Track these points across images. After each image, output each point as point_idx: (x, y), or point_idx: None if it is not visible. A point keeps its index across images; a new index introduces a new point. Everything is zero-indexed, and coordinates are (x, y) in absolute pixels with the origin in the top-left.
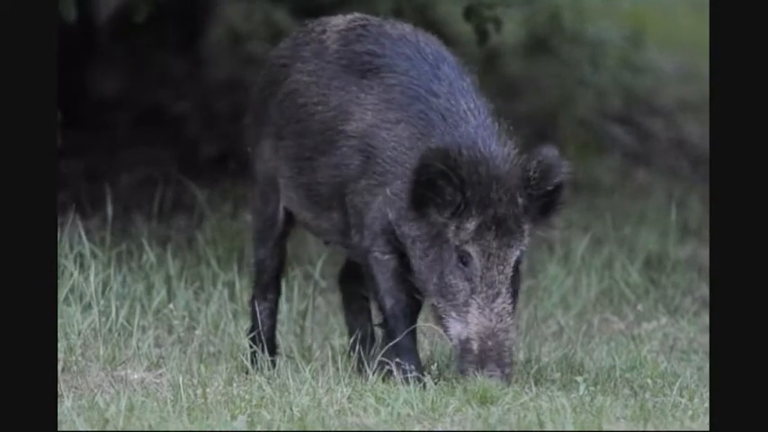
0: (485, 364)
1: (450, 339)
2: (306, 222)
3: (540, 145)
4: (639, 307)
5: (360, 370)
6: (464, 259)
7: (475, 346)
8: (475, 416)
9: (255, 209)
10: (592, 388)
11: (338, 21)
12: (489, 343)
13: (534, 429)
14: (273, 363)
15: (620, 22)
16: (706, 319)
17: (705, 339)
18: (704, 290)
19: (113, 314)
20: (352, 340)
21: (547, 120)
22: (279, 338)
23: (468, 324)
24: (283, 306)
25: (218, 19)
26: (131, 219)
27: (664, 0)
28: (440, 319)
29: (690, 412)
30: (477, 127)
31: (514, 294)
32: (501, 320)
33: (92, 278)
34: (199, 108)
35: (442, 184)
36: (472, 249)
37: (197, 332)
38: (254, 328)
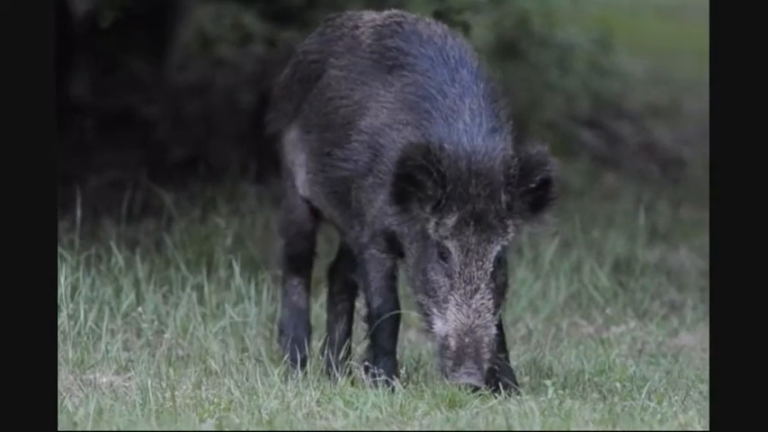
0: (462, 361)
1: (433, 337)
2: (332, 218)
3: (527, 143)
4: (608, 311)
5: (329, 373)
6: (443, 255)
7: (453, 343)
8: (443, 419)
9: (283, 206)
10: (560, 391)
11: (372, 16)
12: (467, 340)
13: None
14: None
15: (588, 26)
16: (674, 322)
17: (674, 343)
18: (673, 293)
19: (82, 317)
20: (321, 343)
21: (516, 123)
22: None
23: (447, 321)
24: (252, 309)
25: (187, 22)
26: (100, 222)
27: (632, 4)
28: (424, 317)
29: (659, 416)
30: (469, 125)
31: (498, 290)
32: (479, 316)
33: (61, 281)
34: (168, 111)
35: (422, 178)
36: (451, 245)
37: (166, 336)
38: (284, 306)
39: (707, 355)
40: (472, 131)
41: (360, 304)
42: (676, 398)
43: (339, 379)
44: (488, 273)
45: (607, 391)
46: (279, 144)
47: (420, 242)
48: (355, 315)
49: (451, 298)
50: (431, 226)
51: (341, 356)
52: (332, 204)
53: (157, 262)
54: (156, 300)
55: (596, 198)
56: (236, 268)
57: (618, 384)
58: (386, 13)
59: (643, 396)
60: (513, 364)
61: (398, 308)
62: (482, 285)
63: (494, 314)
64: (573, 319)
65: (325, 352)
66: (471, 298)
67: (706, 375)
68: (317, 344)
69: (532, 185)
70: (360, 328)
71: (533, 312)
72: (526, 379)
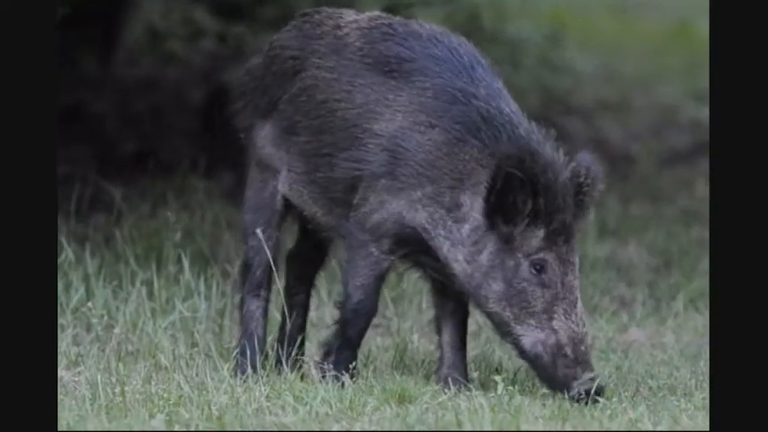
0: (585, 368)
1: (522, 346)
2: (313, 217)
3: (579, 151)
4: None
5: (279, 369)
6: (539, 266)
7: (570, 351)
8: (393, 415)
9: (249, 197)
10: (510, 387)
11: (353, 17)
12: (582, 348)
13: (452, 429)
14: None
15: (539, 21)
16: (624, 318)
17: (623, 339)
18: (622, 289)
19: None
20: (271, 339)
21: None
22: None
23: (557, 331)
24: (202, 305)
25: (136, 17)
26: None
27: (582, 1)
28: (506, 326)
29: (608, 412)
30: (528, 131)
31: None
32: (584, 325)
33: None
34: (117, 107)
35: (517, 191)
36: (549, 256)
37: (115, 331)
38: (244, 334)
39: (656, 351)
40: (535, 138)
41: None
42: (626, 394)
43: (289, 374)
44: (578, 281)
45: None
46: (249, 137)
47: (503, 252)
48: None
49: (558, 308)
50: (525, 237)
51: (294, 351)
52: (317, 203)
53: (107, 257)
54: (105, 295)
55: None
56: (186, 263)
57: None
58: (368, 14)
59: (593, 392)
60: None
61: (376, 310)
62: (579, 294)
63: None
64: None
65: (275, 346)
66: (575, 307)
67: (655, 371)
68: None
69: (594, 194)
70: (310, 323)
71: None
72: (476, 375)
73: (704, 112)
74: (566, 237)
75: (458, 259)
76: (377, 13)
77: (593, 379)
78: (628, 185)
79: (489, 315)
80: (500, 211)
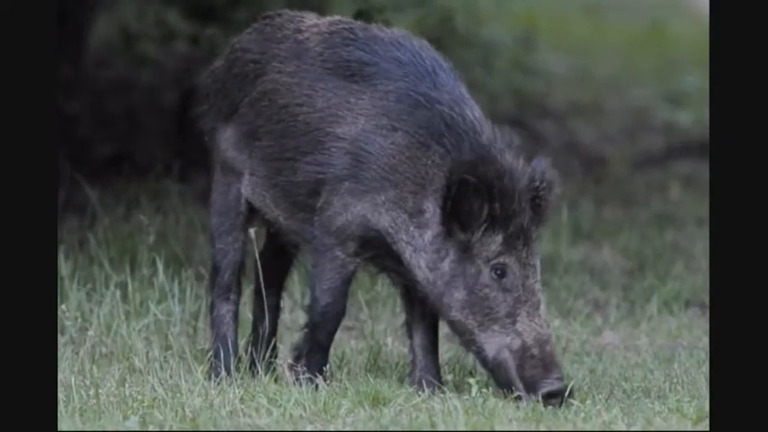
0: (551, 368)
1: (485, 354)
2: (275, 221)
3: (533, 156)
4: None
5: (252, 371)
6: (500, 271)
7: (536, 352)
8: (367, 417)
9: (214, 200)
10: (484, 390)
11: (314, 21)
12: (548, 348)
13: (426, 430)
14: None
15: (512, 24)
16: (598, 321)
17: (597, 342)
18: (596, 292)
19: None
20: (244, 342)
21: None
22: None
23: (521, 333)
24: (176, 307)
25: (108, 19)
26: None
27: (556, 3)
28: (469, 334)
29: (582, 414)
30: (490, 138)
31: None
32: (548, 326)
33: None
34: (91, 108)
35: (472, 197)
36: (509, 260)
37: (89, 333)
38: (216, 338)
39: (630, 354)
40: (496, 144)
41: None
42: (600, 396)
43: (263, 376)
44: (540, 284)
45: None
46: (212, 140)
47: (456, 262)
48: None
49: (521, 311)
50: (475, 245)
51: (266, 353)
52: (280, 207)
53: (81, 259)
54: (79, 297)
55: None
56: (160, 266)
57: None
58: (328, 19)
59: (566, 394)
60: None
61: (344, 312)
62: (541, 297)
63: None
64: None
65: (249, 349)
66: (538, 309)
67: (629, 374)
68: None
69: (550, 198)
70: (284, 326)
71: None
72: (450, 377)
73: (677, 115)
74: (524, 240)
75: (420, 266)
76: (337, 17)
77: (560, 379)
78: (601, 188)
79: (452, 324)
80: (456, 218)
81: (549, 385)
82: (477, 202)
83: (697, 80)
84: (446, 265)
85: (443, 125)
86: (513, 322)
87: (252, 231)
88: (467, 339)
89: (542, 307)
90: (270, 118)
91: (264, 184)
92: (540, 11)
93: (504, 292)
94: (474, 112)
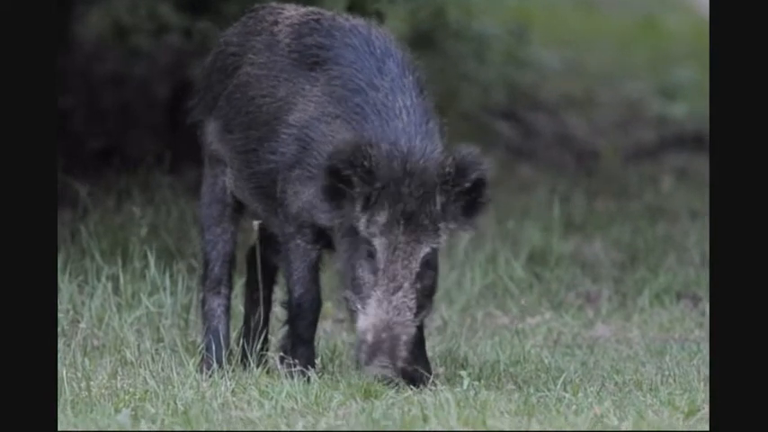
0: (376, 355)
1: (356, 332)
2: (256, 213)
3: (460, 144)
4: (523, 302)
5: (244, 363)
6: (371, 252)
7: (370, 337)
8: (359, 410)
9: (203, 193)
10: (476, 382)
11: (291, 12)
12: (384, 335)
13: (418, 424)
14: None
15: (505, 17)
16: (590, 313)
17: (589, 334)
18: (587, 285)
19: None
20: (236, 334)
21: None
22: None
23: (367, 316)
24: (167, 300)
25: (102, 12)
26: None
27: None
28: (350, 312)
29: (574, 407)
30: (407, 124)
31: (424, 291)
32: (399, 314)
33: None
34: (83, 102)
35: (349, 174)
36: (378, 242)
37: (81, 325)
38: (207, 331)
39: (622, 347)
40: (410, 131)
41: (280, 293)
42: (591, 389)
43: (254, 369)
44: (414, 272)
45: (522, 381)
46: (201, 133)
47: (350, 238)
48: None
49: (374, 294)
50: (361, 223)
51: (258, 346)
52: (256, 199)
53: (73, 252)
54: (71, 290)
55: (511, 189)
56: (151, 258)
57: (533, 375)
58: (302, 10)
59: (558, 387)
60: (428, 354)
61: (320, 299)
62: (406, 284)
63: (416, 314)
64: (488, 310)
65: (241, 342)
66: (393, 295)
67: (621, 366)
68: (234, 333)
69: (467, 186)
70: (275, 318)
71: (448, 303)
72: (441, 370)
73: (670, 108)
74: (405, 225)
75: (341, 248)
76: (311, 8)
77: (382, 366)
78: (594, 181)
79: (346, 302)
80: (345, 195)
81: (370, 369)
82: (358, 181)
83: (690, 73)
84: (345, 245)
85: (373, 111)
86: (367, 304)
87: (256, 224)
88: (353, 318)
89: (399, 294)
90: (240, 110)
91: (240, 176)
92: (533, 4)
93: (370, 273)
94: (411, 99)
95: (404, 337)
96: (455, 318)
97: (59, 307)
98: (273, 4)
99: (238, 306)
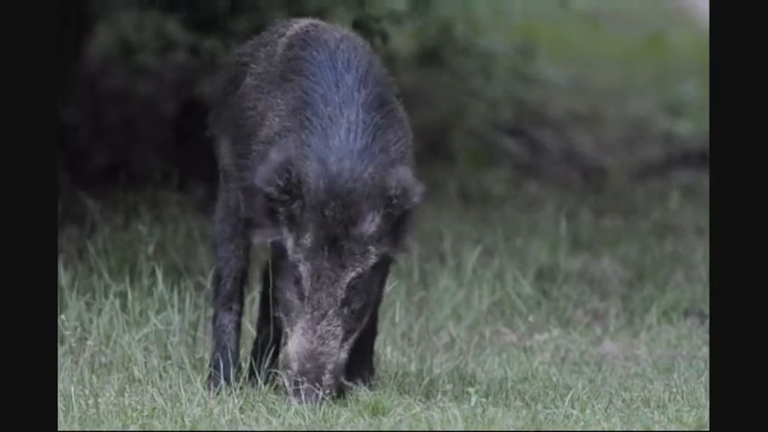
0: (301, 384)
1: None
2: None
3: (395, 167)
4: (531, 319)
5: (252, 381)
6: (296, 278)
7: (295, 366)
8: (366, 426)
9: (217, 208)
10: (483, 399)
11: (298, 25)
12: (308, 365)
13: None
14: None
15: (511, 34)
16: (597, 331)
17: (596, 351)
18: (595, 302)
19: None
20: (244, 351)
21: (438, 131)
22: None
23: (293, 344)
24: (175, 317)
25: (108, 29)
26: None
27: (555, 13)
28: (283, 334)
29: (581, 423)
30: (343, 141)
31: (352, 316)
32: (323, 343)
33: None
34: (90, 118)
35: (271, 195)
36: (303, 268)
37: (89, 343)
38: (216, 347)
39: (629, 364)
40: (343, 149)
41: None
42: (599, 406)
43: (262, 386)
44: (339, 299)
45: (530, 398)
46: (216, 147)
47: (282, 261)
48: None
49: (299, 321)
50: (289, 246)
51: (267, 363)
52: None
53: (80, 269)
54: (79, 307)
55: (519, 206)
56: (159, 276)
57: (541, 392)
58: (303, 22)
59: (566, 404)
60: (435, 371)
61: None
62: (330, 312)
63: (343, 340)
64: (496, 327)
65: (249, 359)
66: (318, 324)
67: (629, 383)
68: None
69: (407, 208)
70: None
71: (456, 320)
72: (449, 387)
73: (676, 125)
74: (330, 250)
75: (276, 269)
76: (312, 21)
77: (307, 397)
78: (600, 198)
79: (279, 321)
80: (266, 217)
81: (294, 400)
82: (277, 203)
83: (695, 90)
84: (276, 263)
85: (320, 127)
86: (293, 331)
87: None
88: (285, 340)
89: (323, 323)
90: (235, 122)
91: (240, 191)
92: (539, 21)
93: (297, 298)
94: (353, 116)
95: (329, 366)
96: (463, 335)
97: (66, 324)
98: (289, 19)
99: (245, 323)
